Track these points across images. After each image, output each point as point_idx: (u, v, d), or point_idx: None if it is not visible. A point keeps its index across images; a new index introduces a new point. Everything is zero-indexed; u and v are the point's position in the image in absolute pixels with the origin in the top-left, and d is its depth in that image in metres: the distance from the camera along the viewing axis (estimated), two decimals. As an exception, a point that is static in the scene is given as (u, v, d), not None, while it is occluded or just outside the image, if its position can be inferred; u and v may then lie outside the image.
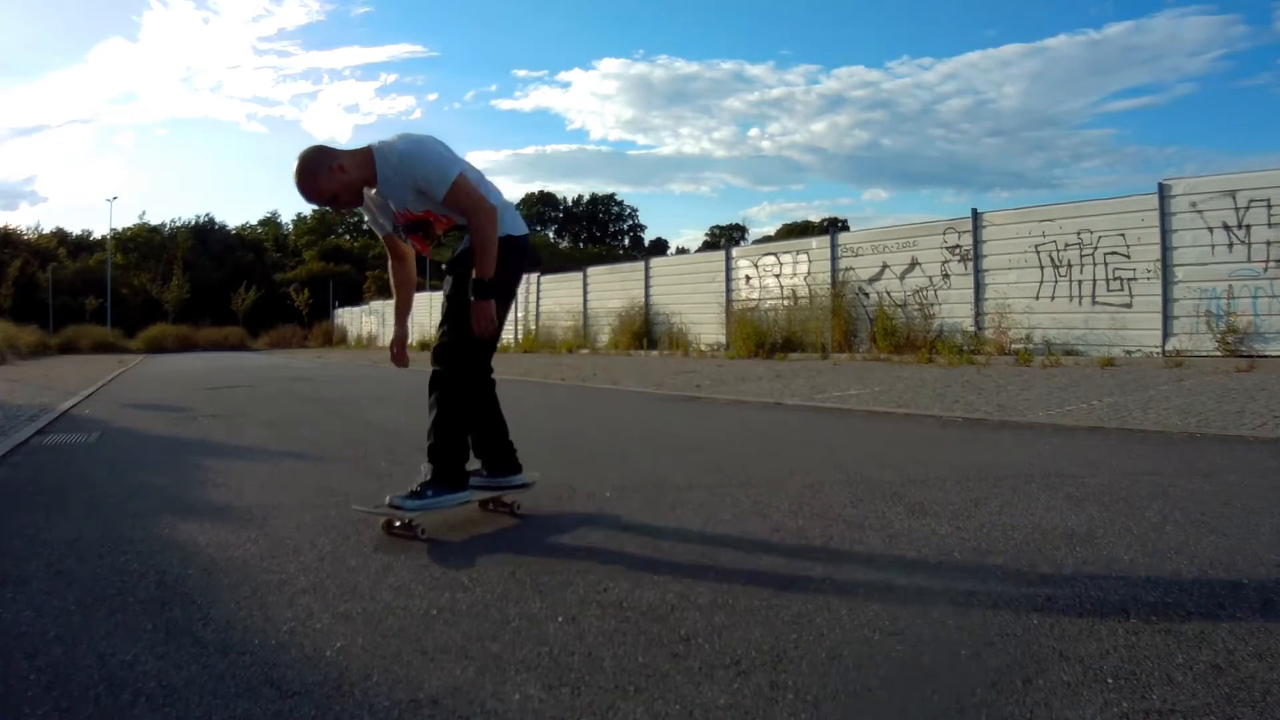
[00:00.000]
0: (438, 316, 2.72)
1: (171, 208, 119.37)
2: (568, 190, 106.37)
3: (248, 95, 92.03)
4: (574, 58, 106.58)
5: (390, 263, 2.82)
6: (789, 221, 62.11)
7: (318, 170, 2.43)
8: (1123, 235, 9.31)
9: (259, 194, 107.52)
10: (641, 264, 17.29)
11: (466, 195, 2.46)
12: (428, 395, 2.62)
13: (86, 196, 79.26)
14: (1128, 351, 8.94)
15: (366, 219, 2.73)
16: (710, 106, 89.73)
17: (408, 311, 2.89)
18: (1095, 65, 73.70)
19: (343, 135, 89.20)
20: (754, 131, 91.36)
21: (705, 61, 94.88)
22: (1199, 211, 8.66)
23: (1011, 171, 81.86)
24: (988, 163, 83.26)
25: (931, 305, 11.22)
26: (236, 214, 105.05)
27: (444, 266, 2.74)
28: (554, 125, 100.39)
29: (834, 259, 12.62)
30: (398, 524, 2.52)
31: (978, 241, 10.78)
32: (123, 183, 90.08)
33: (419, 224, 2.59)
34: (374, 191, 2.55)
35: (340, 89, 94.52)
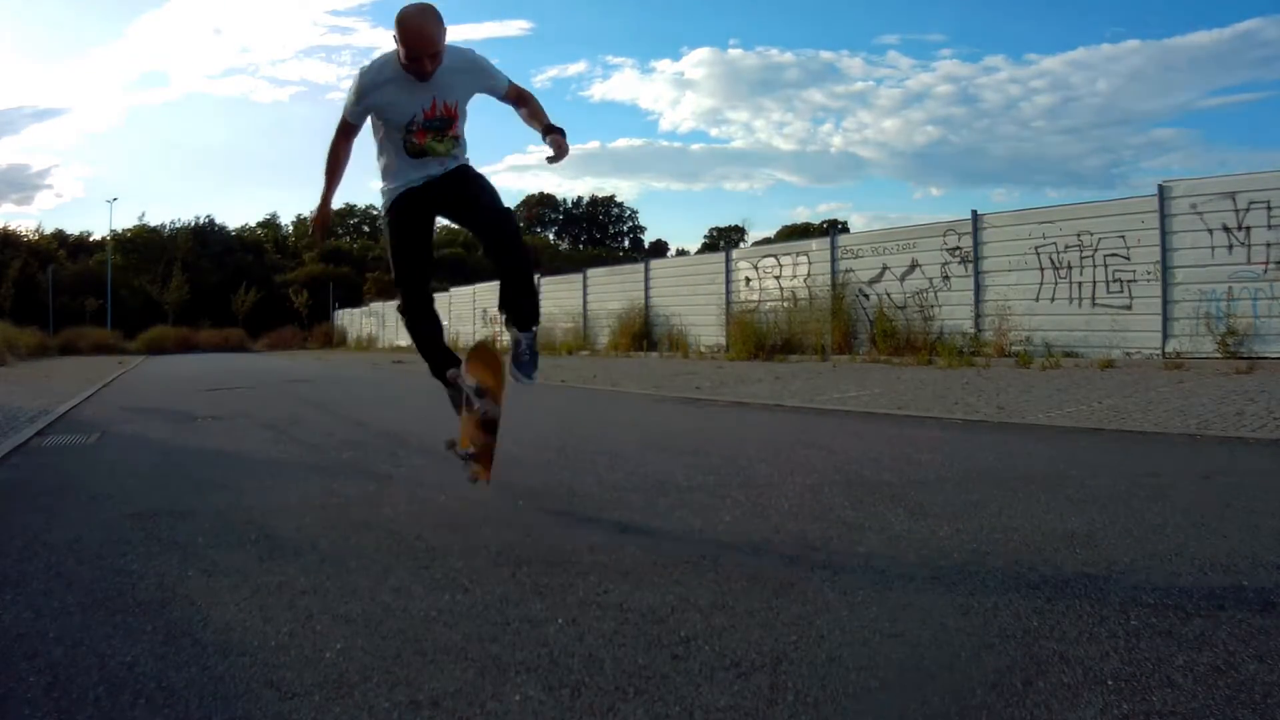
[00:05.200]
0: None
1: (171, 209, 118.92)
2: (614, 187, 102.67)
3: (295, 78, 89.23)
4: (664, 46, 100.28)
5: (340, 141, 3.06)
6: (790, 223, 61.70)
7: (440, 21, 2.73)
8: (1122, 237, 9.32)
9: (258, 195, 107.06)
10: (641, 265, 17.30)
11: (522, 87, 3.08)
12: (511, 254, 3.02)
13: (86, 197, 78.51)
14: (1127, 353, 8.94)
15: (365, 102, 2.90)
16: (791, 98, 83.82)
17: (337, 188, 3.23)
18: (1196, 63, 67.63)
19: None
20: (827, 126, 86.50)
21: (798, 51, 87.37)
22: (1199, 213, 8.66)
23: (1068, 171, 76.58)
24: (1047, 161, 77.79)
25: (931, 307, 11.22)
26: (236, 215, 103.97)
27: (443, 167, 3.02)
28: (623, 114, 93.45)
29: (834, 261, 12.63)
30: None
31: (978, 243, 10.79)
32: (127, 181, 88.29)
33: (442, 121, 2.92)
34: (419, 82, 2.80)
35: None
